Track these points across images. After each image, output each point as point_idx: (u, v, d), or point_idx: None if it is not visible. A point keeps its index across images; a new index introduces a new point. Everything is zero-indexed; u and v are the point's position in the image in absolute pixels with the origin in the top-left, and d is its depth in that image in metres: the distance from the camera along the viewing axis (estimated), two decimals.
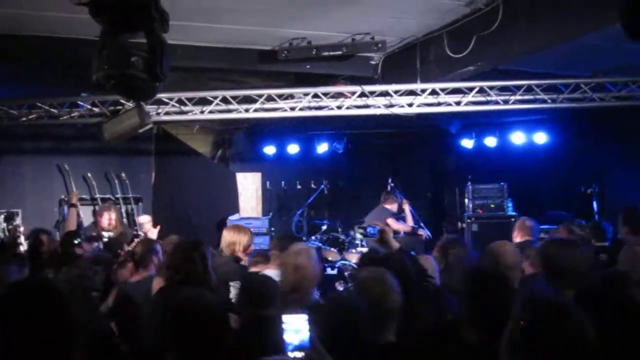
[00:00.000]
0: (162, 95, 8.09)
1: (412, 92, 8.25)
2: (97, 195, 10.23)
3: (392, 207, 10.39)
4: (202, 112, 8.43)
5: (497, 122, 11.73)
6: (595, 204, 9.80)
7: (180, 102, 8.36)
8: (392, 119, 8.78)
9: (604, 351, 2.45)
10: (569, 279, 3.89)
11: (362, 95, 8.31)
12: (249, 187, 13.07)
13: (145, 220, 8.54)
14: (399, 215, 10.48)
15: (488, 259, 4.43)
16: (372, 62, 8.48)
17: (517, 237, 6.71)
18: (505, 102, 8.25)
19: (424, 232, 10.54)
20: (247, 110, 8.43)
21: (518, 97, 8.21)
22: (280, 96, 8.42)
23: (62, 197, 10.04)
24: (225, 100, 8.35)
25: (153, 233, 8.11)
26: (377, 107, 8.36)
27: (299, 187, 13.09)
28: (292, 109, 8.45)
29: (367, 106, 8.39)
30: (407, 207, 10.56)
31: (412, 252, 9.25)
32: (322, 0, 6.67)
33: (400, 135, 12.39)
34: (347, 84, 8.60)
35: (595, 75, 8.49)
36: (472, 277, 3.50)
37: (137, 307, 5.27)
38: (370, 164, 13.02)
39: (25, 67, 8.06)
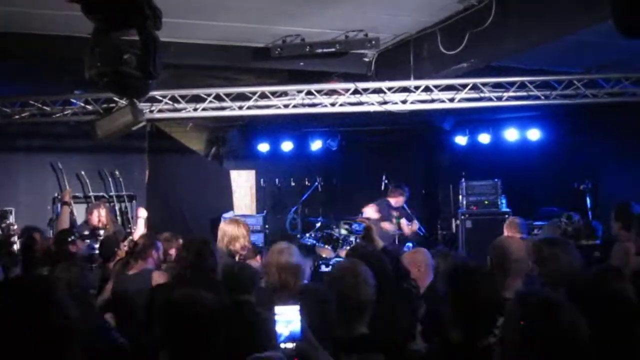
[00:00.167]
0: (156, 93, 8.09)
1: (405, 89, 8.25)
2: (91, 193, 10.22)
3: (396, 201, 10.36)
4: (195, 109, 8.41)
5: (491, 118, 11.75)
6: (588, 200, 9.82)
7: (173, 99, 8.34)
8: (385, 116, 8.79)
9: (597, 346, 2.46)
10: (560, 277, 3.95)
11: (356, 92, 8.31)
12: (243, 184, 13.08)
13: (143, 215, 8.46)
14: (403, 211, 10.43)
15: (495, 252, 4.42)
16: (366, 59, 8.49)
17: (507, 234, 6.76)
18: (499, 98, 8.26)
19: (415, 225, 10.53)
20: (240, 108, 8.41)
21: (511, 94, 8.21)
22: (273, 93, 8.41)
23: (56, 195, 10.03)
24: (218, 97, 8.34)
25: (140, 226, 8.10)
26: (371, 104, 8.36)
27: (293, 184, 13.10)
28: (286, 106, 8.44)
29: (360, 103, 8.39)
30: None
31: (409, 245, 9.32)
32: None
33: (394, 132, 12.41)
34: (340, 81, 8.60)
35: (588, 72, 8.52)
36: (455, 275, 3.50)
37: (134, 300, 5.31)
38: (364, 161, 13.02)
39: (17, 64, 8.04)
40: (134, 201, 10.58)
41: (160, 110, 8.42)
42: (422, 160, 13.68)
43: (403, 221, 10.26)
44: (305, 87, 8.38)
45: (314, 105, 8.46)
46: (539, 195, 11.24)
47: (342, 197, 12.92)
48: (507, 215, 9.70)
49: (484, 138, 12.19)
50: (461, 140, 12.47)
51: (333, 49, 7.57)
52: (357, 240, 9.65)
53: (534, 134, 11.60)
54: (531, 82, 8.10)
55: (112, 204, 10.28)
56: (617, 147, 10.20)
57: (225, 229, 6.03)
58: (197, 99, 8.37)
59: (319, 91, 8.38)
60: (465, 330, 3.18)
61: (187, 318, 2.92)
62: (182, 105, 8.39)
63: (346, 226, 10.12)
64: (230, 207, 11.87)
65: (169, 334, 2.93)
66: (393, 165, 12.01)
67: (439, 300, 4.17)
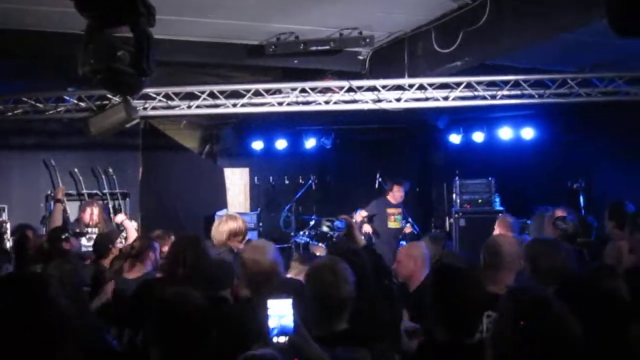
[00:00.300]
0: (149, 90, 8.06)
1: (399, 87, 8.25)
2: (84, 191, 10.18)
3: (393, 196, 10.35)
4: (189, 107, 8.39)
5: (485, 117, 11.77)
6: (582, 199, 9.84)
7: (167, 97, 8.32)
8: (379, 114, 8.78)
9: (590, 344, 2.47)
10: (551, 276, 4.02)
11: (350, 90, 8.31)
12: (237, 182, 13.07)
13: (121, 219, 8.38)
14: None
15: (487, 250, 4.46)
16: (360, 57, 8.48)
17: (498, 233, 6.81)
18: (493, 97, 8.27)
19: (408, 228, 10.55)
20: (234, 105, 8.39)
21: (505, 92, 8.22)
22: (267, 91, 8.40)
23: (49, 192, 9.99)
24: (212, 95, 8.32)
25: (132, 228, 8.02)
26: (365, 102, 8.36)
27: (287, 182, 13.09)
28: (280, 104, 8.43)
29: (354, 101, 8.39)
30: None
31: (402, 243, 9.33)
32: None
33: (388, 130, 12.42)
34: (335, 78, 8.60)
35: (582, 71, 8.52)
36: (439, 274, 3.51)
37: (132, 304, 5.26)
38: (358, 159, 13.03)
39: (10, 61, 7.99)
40: (127, 199, 10.55)
41: (153, 108, 8.39)
42: (416, 158, 13.68)
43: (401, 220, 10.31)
44: (300, 85, 8.37)
45: (308, 103, 8.46)
46: (532, 194, 11.25)
47: (336, 195, 12.91)
48: (500, 214, 9.72)
49: (478, 136, 12.20)
50: (455, 138, 12.48)
51: (327, 47, 7.55)
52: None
53: (528, 133, 11.63)
54: (525, 81, 8.11)
55: (105, 201, 10.25)
56: (611, 146, 10.23)
57: (224, 224, 5.97)
58: (191, 96, 8.35)
59: (313, 89, 8.38)
60: (448, 329, 3.20)
61: (178, 316, 2.92)
62: (176, 102, 8.37)
63: (328, 223, 10.13)
64: (224, 204, 11.86)
65: (160, 332, 2.93)
66: (387, 163, 12.01)
67: None
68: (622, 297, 3.21)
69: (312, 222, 11.07)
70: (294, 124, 12.08)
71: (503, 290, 3.93)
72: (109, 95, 8.09)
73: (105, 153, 10.42)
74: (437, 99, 8.31)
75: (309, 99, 8.42)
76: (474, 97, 8.30)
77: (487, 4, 6.48)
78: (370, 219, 10.02)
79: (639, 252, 5.07)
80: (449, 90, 8.25)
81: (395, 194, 10.31)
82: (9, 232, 8.22)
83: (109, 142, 9.72)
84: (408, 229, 10.38)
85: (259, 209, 12.53)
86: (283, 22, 7.35)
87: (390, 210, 10.34)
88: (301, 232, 10.92)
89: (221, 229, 5.90)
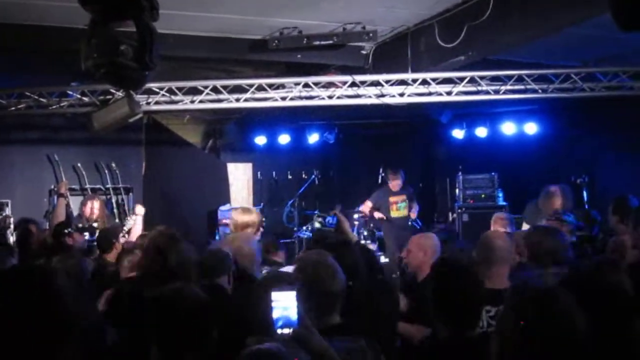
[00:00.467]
0: (152, 85, 8.06)
1: (403, 82, 8.24)
2: (87, 186, 10.21)
3: (392, 185, 10.44)
4: (192, 101, 8.39)
5: (488, 112, 11.74)
6: (585, 194, 9.83)
7: (170, 91, 8.32)
8: (383, 109, 8.78)
9: (594, 339, 2.46)
10: (550, 259, 4.49)
11: (353, 85, 8.29)
12: (240, 177, 13.07)
13: (141, 212, 8.30)
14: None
15: (479, 247, 4.50)
16: (363, 52, 8.46)
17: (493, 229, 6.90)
18: (496, 92, 8.25)
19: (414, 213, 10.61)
20: (237, 100, 8.39)
21: (509, 87, 8.21)
22: (271, 86, 8.39)
23: (52, 187, 10.01)
24: (215, 89, 8.32)
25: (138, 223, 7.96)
26: (368, 96, 8.35)
27: (290, 177, 13.10)
28: (283, 98, 8.42)
29: (358, 96, 8.38)
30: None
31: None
32: None
33: (391, 125, 12.41)
34: (338, 73, 8.59)
35: (585, 65, 8.51)
36: (438, 270, 3.51)
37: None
38: (361, 154, 13.03)
39: (13, 56, 8.00)
40: (130, 194, 10.57)
41: (157, 102, 8.39)
42: (419, 153, 13.67)
43: (410, 205, 10.34)
44: (303, 80, 8.36)
45: (311, 97, 8.44)
46: (535, 189, 11.20)
47: (339, 190, 12.93)
48: (503, 209, 9.72)
49: (481, 131, 12.18)
50: (458, 133, 12.47)
51: (330, 42, 7.55)
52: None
53: (531, 128, 11.60)
54: (529, 76, 8.09)
55: (108, 196, 10.27)
56: (614, 140, 10.22)
57: (236, 217, 6.08)
58: (194, 91, 8.34)
59: (316, 84, 8.37)
60: (448, 324, 3.23)
61: (177, 313, 2.92)
62: (179, 97, 8.37)
63: (320, 219, 10.17)
64: (227, 200, 11.86)
65: (159, 329, 2.93)
66: (390, 158, 12.00)
67: None
68: (625, 292, 3.20)
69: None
70: (297, 118, 12.07)
71: (497, 285, 4.02)
72: (112, 90, 8.08)
73: (108, 148, 10.44)
74: (441, 94, 8.30)
75: (312, 93, 8.41)
76: (478, 92, 8.29)
77: None
78: (377, 209, 10.14)
79: None
80: (452, 85, 8.24)
81: (393, 182, 10.41)
82: (12, 226, 8.23)
83: (112, 137, 9.72)
84: (413, 214, 10.43)
85: (262, 204, 12.54)
86: (286, 16, 7.34)
87: (392, 199, 10.45)
88: (304, 227, 10.92)
89: (232, 222, 6.09)
